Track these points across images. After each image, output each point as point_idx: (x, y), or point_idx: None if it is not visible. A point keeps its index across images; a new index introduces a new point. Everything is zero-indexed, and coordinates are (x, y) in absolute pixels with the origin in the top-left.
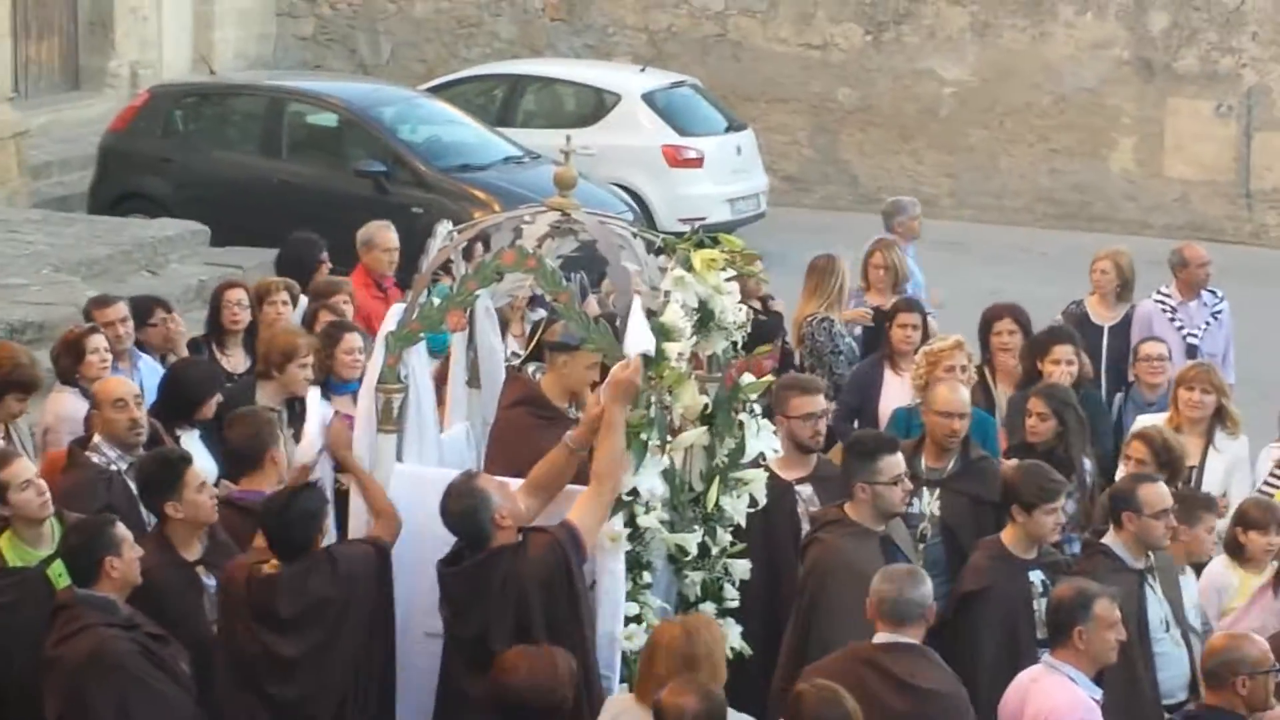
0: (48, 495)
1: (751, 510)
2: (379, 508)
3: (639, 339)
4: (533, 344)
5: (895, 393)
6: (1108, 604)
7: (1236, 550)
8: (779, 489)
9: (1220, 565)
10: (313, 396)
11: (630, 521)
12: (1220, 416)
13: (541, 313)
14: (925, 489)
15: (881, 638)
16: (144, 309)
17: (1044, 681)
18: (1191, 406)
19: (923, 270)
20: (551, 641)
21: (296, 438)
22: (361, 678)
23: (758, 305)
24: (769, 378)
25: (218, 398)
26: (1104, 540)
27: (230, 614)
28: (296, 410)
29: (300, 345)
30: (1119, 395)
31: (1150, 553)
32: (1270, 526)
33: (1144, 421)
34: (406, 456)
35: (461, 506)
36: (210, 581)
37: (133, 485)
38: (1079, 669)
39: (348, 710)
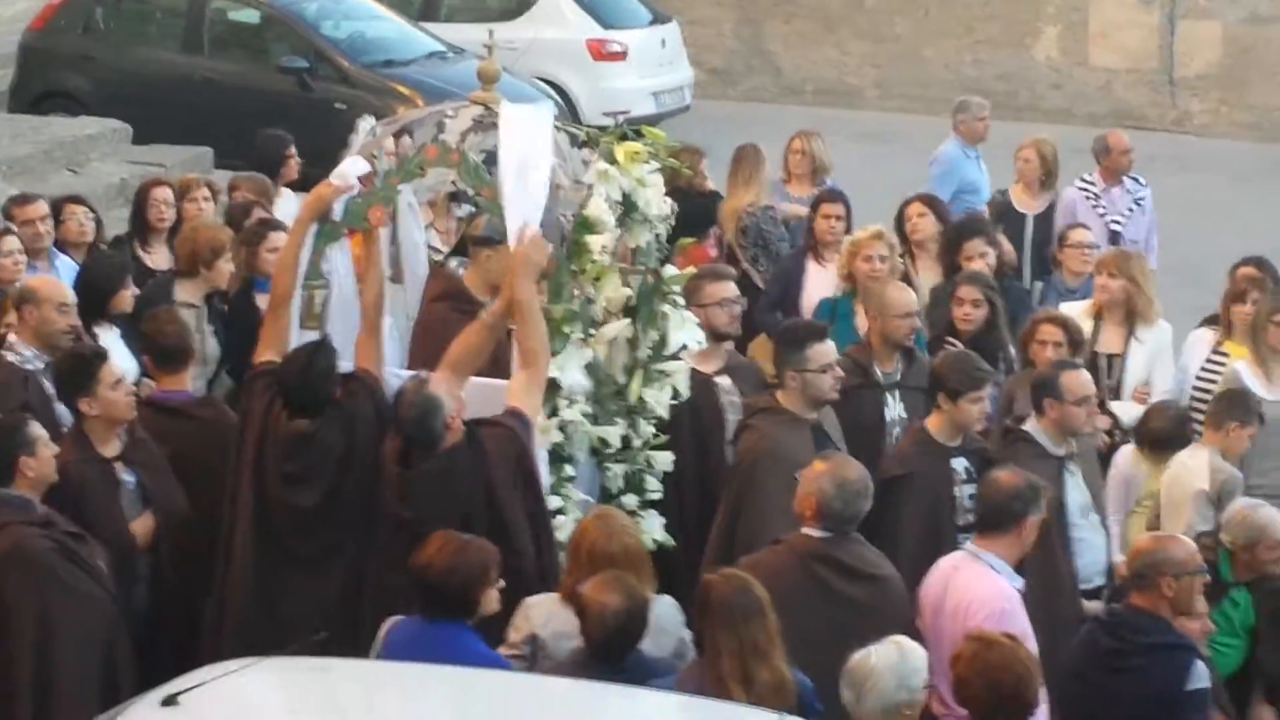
0: None
1: (675, 403)
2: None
3: (522, 210)
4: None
5: (819, 283)
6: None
7: (1146, 441)
8: (701, 382)
9: (1128, 456)
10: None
11: (553, 414)
12: (1133, 304)
13: (466, 208)
14: (888, 394)
15: (817, 531)
16: (58, 207)
17: (966, 570)
18: (1100, 290)
19: (987, 176)
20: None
21: (216, 334)
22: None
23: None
24: (692, 269)
25: (131, 290)
26: (1025, 426)
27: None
28: (215, 305)
29: (225, 241)
30: (1039, 283)
31: (1071, 439)
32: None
33: (1066, 309)
34: None
35: (417, 412)
36: (129, 478)
37: (48, 385)
38: (1005, 559)
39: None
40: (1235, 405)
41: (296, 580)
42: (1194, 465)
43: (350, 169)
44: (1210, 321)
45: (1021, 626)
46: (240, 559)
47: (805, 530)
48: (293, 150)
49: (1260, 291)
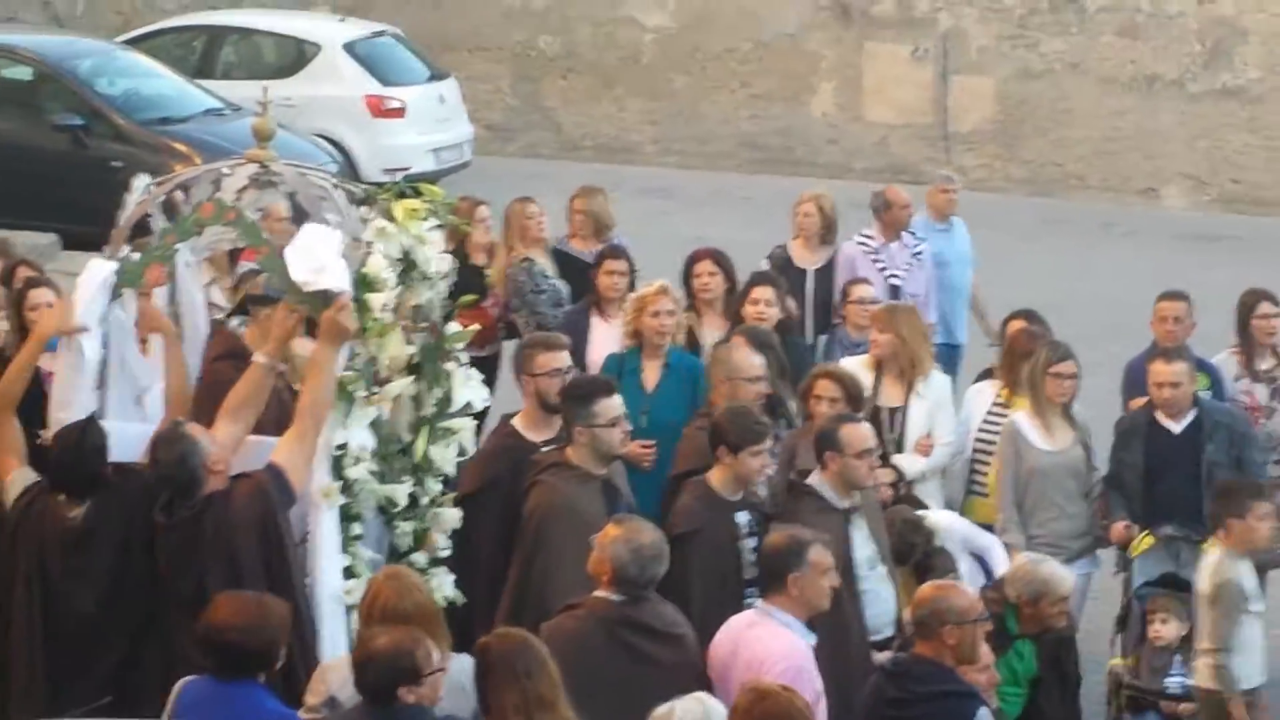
0: None
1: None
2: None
3: (312, 272)
4: (239, 299)
5: (604, 339)
6: (821, 550)
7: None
8: (525, 449)
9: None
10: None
11: (339, 474)
12: (904, 358)
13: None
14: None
15: (616, 595)
16: None
17: (758, 628)
18: (873, 345)
19: (963, 247)
20: (265, 589)
21: None
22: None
23: (483, 260)
24: (475, 326)
25: None
26: (809, 480)
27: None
28: None
29: None
30: (823, 337)
31: (855, 492)
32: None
33: (847, 364)
34: (110, 414)
35: (172, 454)
36: None
37: None
38: (793, 615)
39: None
40: (1235, 496)
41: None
42: (1202, 567)
43: (94, 279)
44: (987, 374)
45: (815, 684)
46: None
47: (602, 594)
48: None
49: (1038, 345)
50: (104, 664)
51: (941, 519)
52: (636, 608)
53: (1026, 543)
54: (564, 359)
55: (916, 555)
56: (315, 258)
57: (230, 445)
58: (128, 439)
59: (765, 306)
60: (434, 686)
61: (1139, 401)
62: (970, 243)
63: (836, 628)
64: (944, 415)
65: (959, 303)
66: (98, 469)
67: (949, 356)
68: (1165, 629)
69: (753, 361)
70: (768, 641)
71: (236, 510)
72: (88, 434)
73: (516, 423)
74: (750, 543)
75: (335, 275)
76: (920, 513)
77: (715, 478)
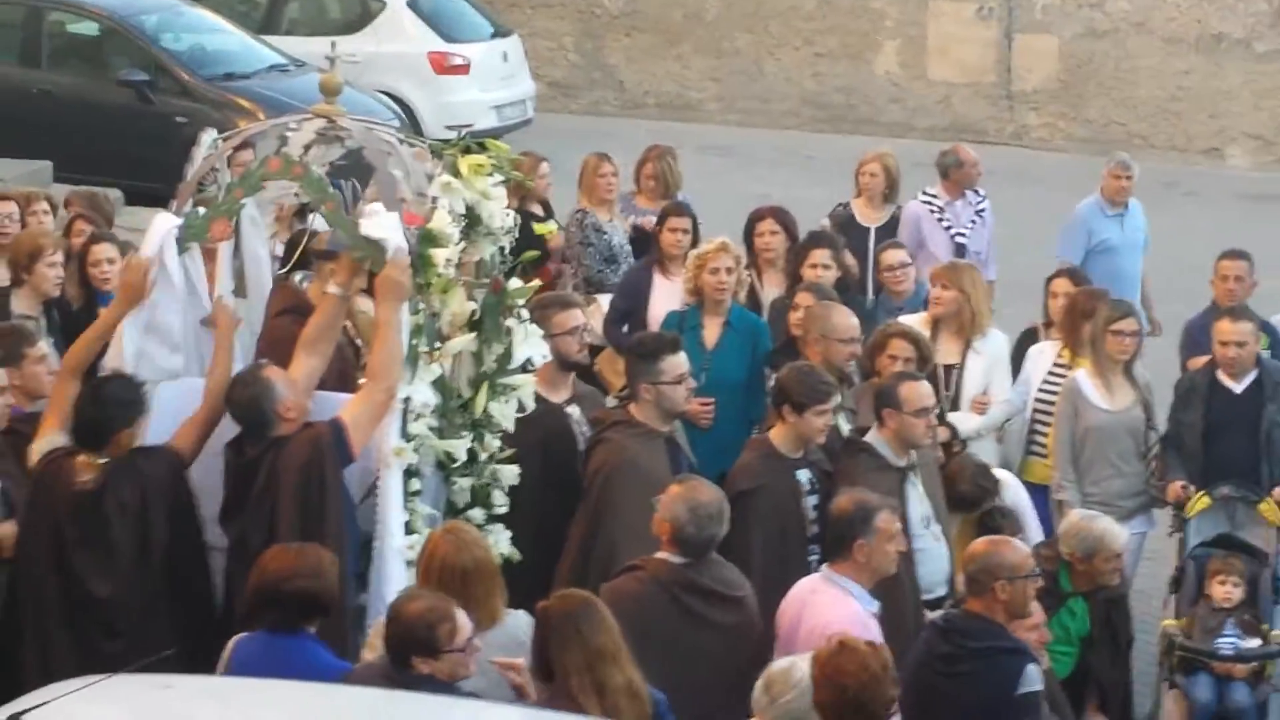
0: None
1: (531, 435)
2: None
3: (384, 232)
4: (298, 252)
5: (666, 296)
6: (888, 516)
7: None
8: (551, 411)
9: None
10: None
11: (401, 428)
12: (965, 315)
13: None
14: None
15: (677, 557)
16: None
17: (822, 594)
18: (934, 301)
19: (1137, 233)
20: (298, 538)
21: (58, 345)
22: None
23: (539, 210)
24: (536, 282)
25: None
26: (866, 438)
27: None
28: (55, 317)
29: (45, 245)
30: (873, 298)
31: (912, 450)
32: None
33: (904, 321)
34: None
35: (246, 394)
36: None
37: None
38: (857, 581)
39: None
40: None
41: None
42: None
43: (159, 231)
44: (1030, 335)
45: None
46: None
47: (663, 555)
48: None
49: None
50: (120, 640)
51: (1005, 477)
52: (697, 570)
53: (1082, 500)
54: (579, 317)
55: (987, 503)
56: (378, 221)
57: (308, 380)
58: (196, 394)
59: (823, 269)
60: (455, 663)
61: (1198, 361)
62: (1145, 227)
63: (890, 586)
64: (1000, 373)
65: (1125, 290)
66: (115, 422)
67: None
68: (1231, 590)
69: (850, 322)
70: (830, 608)
71: (289, 455)
72: (109, 385)
73: (533, 383)
74: (811, 500)
75: (393, 232)
76: None
77: (777, 435)
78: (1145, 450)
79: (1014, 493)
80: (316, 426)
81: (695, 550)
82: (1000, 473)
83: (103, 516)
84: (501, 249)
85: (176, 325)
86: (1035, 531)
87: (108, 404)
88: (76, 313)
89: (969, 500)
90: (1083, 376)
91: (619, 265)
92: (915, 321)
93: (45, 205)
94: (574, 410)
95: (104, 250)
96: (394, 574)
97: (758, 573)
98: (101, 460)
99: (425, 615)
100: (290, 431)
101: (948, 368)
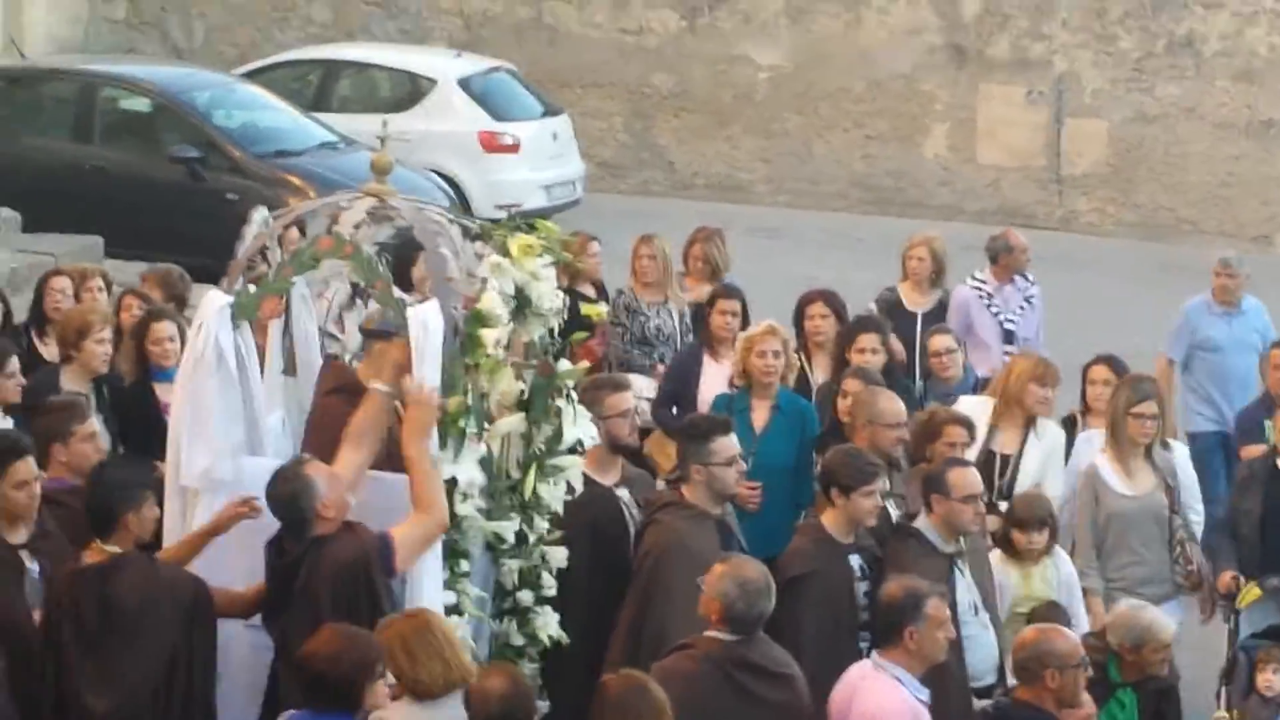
0: None
1: (581, 518)
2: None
3: (429, 366)
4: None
5: (715, 379)
6: (938, 603)
7: (1007, 546)
8: (602, 495)
9: (996, 561)
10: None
11: (449, 510)
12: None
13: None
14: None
15: (727, 635)
16: None
17: (872, 681)
18: (1042, 403)
19: (1249, 333)
20: None
21: (107, 422)
22: (179, 671)
23: (590, 291)
24: (584, 363)
25: (15, 379)
26: (915, 524)
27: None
28: (105, 394)
29: (93, 322)
30: (921, 383)
31: (960, 537)
32: (1033, 525)
33: (968, 404)
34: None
35: (286, 490)
36: (33, 567)
37: None
38: (907, 669)
39: (161, 703)
40: None
41: None
42: None
43: (210, 308)
44: (1070, 421)
45: None
46: None
47: (713, 633)
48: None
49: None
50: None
51: (1062, 554)
52: (747, 647)
53: (1105, 587)
54: (631, 400)
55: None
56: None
57: (351, 474)
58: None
59: (871, 354)
60: None
61: (1253, 450)
62: (1265, 327)
63: (939, 674)
64: (1055, 466)
65: (1233, 389)
66: (120, 506)
67: (1221, 444)
68: (1277, 679)
69: (898, 408)
70: (880, 696)
71: (330, 556)
72: (108, 467)
73: (584, 466)
74: (861, 586)
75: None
76: None
77: (828, 519)
78: (1170, 536)
79: (1068, 572)
80: (360, 533)
81: (746, 626)
82: (1059, 550)
83: (101, 601)
84: (551, 330)
85: (234, 404)
86: (1082, 622)
87: (110, 487)
88: (130, 389)
89: (1023, 520)
90: (1102, 461)
91: (654, 348)
92: (977, 405)
93: (100, 281)
94: (624, 493)
95: (165, 328)
96: None
97: (809, 658)
98: (110, 549)
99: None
100: (329, 531)
101: (1004, 456)
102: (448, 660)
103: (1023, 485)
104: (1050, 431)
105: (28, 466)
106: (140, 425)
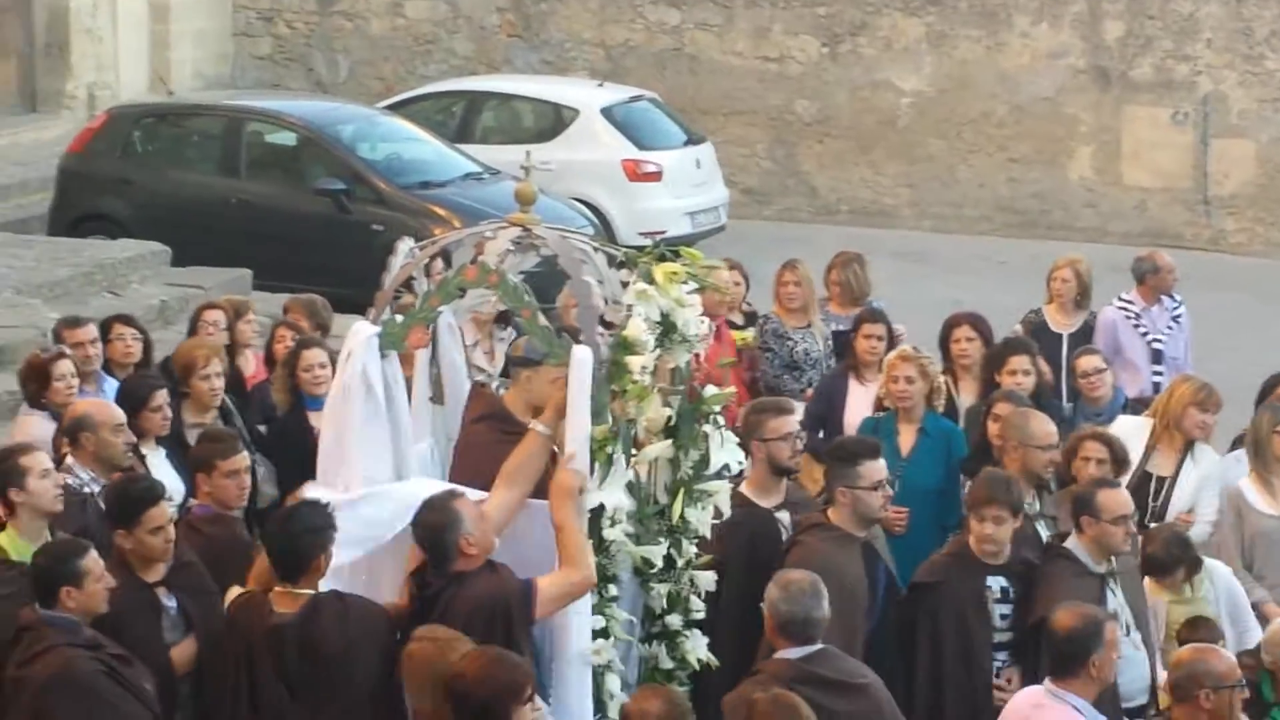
0: (61, 490)
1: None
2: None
3: (578, 428)
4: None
5: (860, 403)
6: (1113, 626)
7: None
8: (762, 517)
9: (1147, 582)
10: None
11: (596, 535)
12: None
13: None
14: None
15: (793, 652)
16: (106, 327)
17: (1049, 711)
18: (1201, 427)
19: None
20: None
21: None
22: (381, 707)
23: (739, 319)
24: (731, 389)
25: (164, 412)
26: (1066, 544)
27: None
28: (255, 427)
29: (198, 358)
30: (1070, 404)
31: (1112, 557)
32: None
33: (1126, 425)
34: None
35: (433, 521)
36: (170, 603)
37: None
38: (1085, 697)
39: None
40: None
41: None
42: None
43: (358, 338)
44: (1240, 442)
45: None
46: None
47: (778, 655)
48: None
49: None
50: None
51: (1217, 567)
52: (813, 663)
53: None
54: (794, 423)
55: (1178, 571)
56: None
57: (501, 516)
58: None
59: (1022, 376)
60: None
61: None
62: None
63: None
64: (1209, 492)
65: None
66: (306, 552)
67: None
68: None
69: (1049, 429)
70: None
71: (468, 595)
72: (298, 513)
73: (745, 489)
74: (1001, 609)
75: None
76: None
77: (973, 539)
78: None
79: (1226, 583)
80: (503, 575)
81: (798, 629)
82: (1212, 563)
83: (304, 650)
84: (696, 355)
85: (381, 435)
86: (1254, 629)
87: (301, 534)
88: (285, 418)
89: (1159, 564)
90: (1245, 482)
91: (803, 372)
92: (1136, 426)
93: (250, 314)
94: (784, 516)
95: (315, 356)
96: (575, 678)
97: (924, 668)
98: (300, 592)
99: (667, 714)
100: (470, 568)
101: (1160, 478)
102: None
103: (1176, 509)
104: (1207, 456)
105: (161, 512)
106: (297, 453)
